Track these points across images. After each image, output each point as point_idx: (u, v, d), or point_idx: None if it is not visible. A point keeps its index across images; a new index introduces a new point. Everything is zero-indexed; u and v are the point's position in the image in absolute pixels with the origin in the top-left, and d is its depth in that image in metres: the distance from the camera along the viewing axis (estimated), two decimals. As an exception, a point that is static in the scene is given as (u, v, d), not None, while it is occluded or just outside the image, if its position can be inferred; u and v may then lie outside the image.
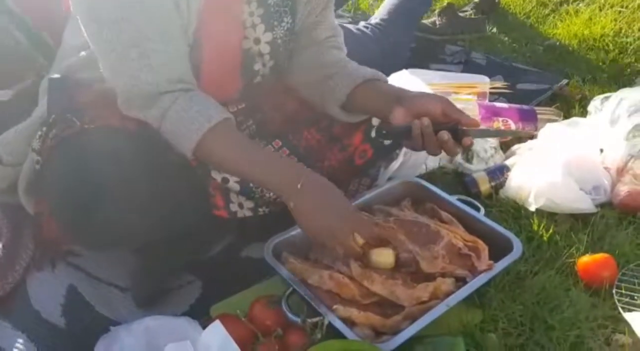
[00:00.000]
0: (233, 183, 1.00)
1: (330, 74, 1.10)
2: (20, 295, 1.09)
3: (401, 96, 1.01)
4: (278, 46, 1.10)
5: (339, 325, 0.92)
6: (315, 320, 0.93)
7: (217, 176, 0.98)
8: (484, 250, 1.06)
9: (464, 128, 0.96)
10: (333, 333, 0.93)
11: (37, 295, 1.09)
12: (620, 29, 2.21)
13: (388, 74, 1.25)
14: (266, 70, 1.11)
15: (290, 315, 0.96)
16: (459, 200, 1.19)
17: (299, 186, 0.92)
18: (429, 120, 0.95)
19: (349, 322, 0.94)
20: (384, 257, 1.02)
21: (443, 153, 1.38)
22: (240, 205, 1.02)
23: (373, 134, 1.16)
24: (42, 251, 1.15)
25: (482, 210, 1.18)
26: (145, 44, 0.90)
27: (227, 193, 1.01)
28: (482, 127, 0.96)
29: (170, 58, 0.93)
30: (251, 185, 1.02)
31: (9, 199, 1.15)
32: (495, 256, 1.04)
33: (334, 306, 0.95)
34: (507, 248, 1.06)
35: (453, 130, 0.95)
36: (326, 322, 0.92)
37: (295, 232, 1.10)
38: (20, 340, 1.02)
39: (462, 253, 1.05)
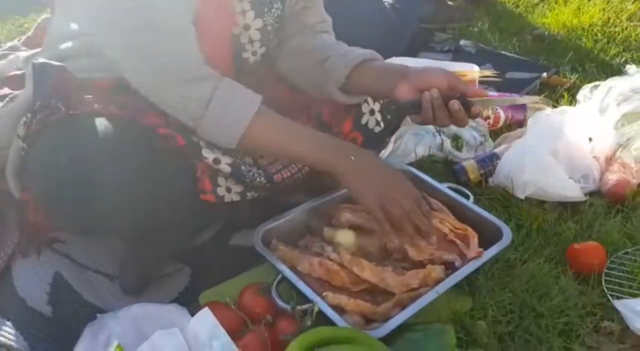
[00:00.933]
0: (224, 165, 0.99)
1: (324, 57, 1.09)
2: (5, 283, 1.07)
3: (405, 72, 1.02)
4: (268, 33, 1.08)
5: (329, 312, 0.92)
6: (304, 307, 0.93)
7: (209, 155, 0.97)
8: (474, 237, 1.06)
9: (471, 99, 0.97)
10: (323, 320, 0.92)
11: (23, 282, 1.08)
12: (609, 18, 2.22)
13: (387, 56, 1.25)
14: (257, 58, 1.09)
15: (279, 302, 0.95)
16: (448, 187, 1.19)
17: (352, 158, 0.97)
18: (438, 92, 0.96)
19: (339, 309, 0.94)
20: (345, 236, 1.05)
21: (431, 142, 1.41)
22: (228, 189, 1.01)
23: (377, 119, 1.18)
24: (28, 238, 1.13)
25: (472, 197, 1.18)
26: (161, 30, 0.90)
27: (215, 177, 1.00)
28: (487, 96, 1.00)
29: (188, 40, 0.93)
30: (242, 168, 1.01)
31: None
32: (485, 244, 1.05)
33: (324, 293, 0.95)
34: (496, 235, 1.06)
35: (461, 101, 0.96)
36: (316, 309, 0.92)
37: (284, 219, 1.10)
38: (5, 328, 1.00)
39: (449, 239, 1.06)
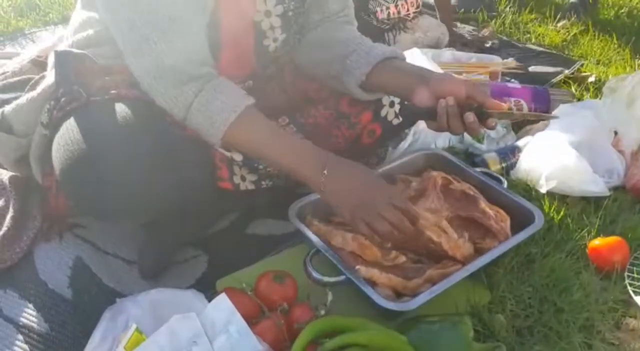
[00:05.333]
0: (236, 153, 0.99)
1: (347, 52, 1.07)
2: (27, 266, 1.09)
3: (424, 76, 0.99)
4: (289, 19, 1.08)
5: (361, 284, 0.93)
6: (337, 279, 0.94)
7: None
8: (506, 220, 1.06)
9: (489, 110, 0.95)
10: (336, 311, 0.93)
11: (44, 265, 1.09)
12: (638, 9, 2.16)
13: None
14: (278, 45, 1.09)
15: (314, 274, 0.96)
16: (481, 172, 1.19)
17: (325, 172, 0.92)
18: (454, 100, 0.94)
19: (371, 283, 0.95)
20: None
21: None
22: (243, 178, 1.02)
23: (397, 111, 1.16)
24: (50, 223, 1.14)
25: (505, 182, 1.16)
26: (165, 23, 0.89)
27: (231, 165, 1.00)
28: (506, 109, 0.97)
29: (192, 39, 0.93)
30: None
31: (21, 170, 1.15)
32: (517, 229, 1.05)
33: (357, 267, 0.96)
34: (528, 220, 1.06)
35: (477, 111, 0.95)
36: (330, 299, 0.93)
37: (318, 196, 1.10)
38: (27, 309, 1.02)
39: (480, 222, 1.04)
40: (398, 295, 0.96)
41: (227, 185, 0.99)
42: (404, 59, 1.09)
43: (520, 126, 1.50)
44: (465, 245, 1.02)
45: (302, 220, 1.06)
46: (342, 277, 0.95)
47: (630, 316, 1.00)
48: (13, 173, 1.19)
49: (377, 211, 0.91)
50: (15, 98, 1.08)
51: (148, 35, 0.90)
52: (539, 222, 1.04)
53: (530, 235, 1.04)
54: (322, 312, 0.93)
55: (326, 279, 0.95)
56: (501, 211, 1.07)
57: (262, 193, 1.06)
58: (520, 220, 1.06)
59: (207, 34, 0.97)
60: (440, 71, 1.53)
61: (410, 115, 1.12)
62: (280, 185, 1.07)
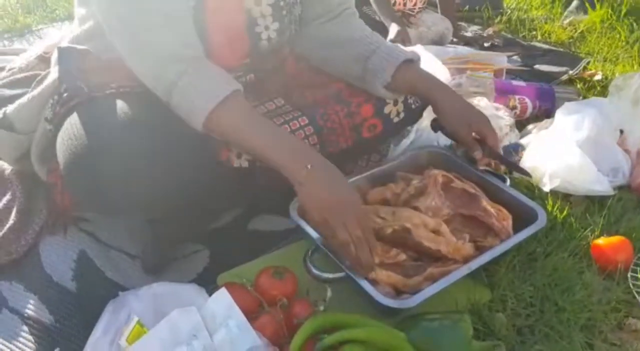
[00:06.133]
0: None
1: (367, 53, 1.10)
2: (32, 259, 1.11)
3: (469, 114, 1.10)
4: (281, 8, 1.07)
5: (361, 281, 0.92)
6: (337, 275, 0.94)
7: None
8: (508, 218, 1.05)
9: (488, 146, 1.08)
10: (336, 307, 0.93)
11: (49, 259, 1.10)
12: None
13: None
14: (272, 34, 1.08)
15: (314, 270, 0.96)
16: (484, 170, 1.17)
17: (309, 166, 0.90)
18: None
19: (371, 280, 0.94)
20: None
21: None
22: (239, 155, 1.03)
23: (399, 109, 1.18)
24: (55, 217, 1.15)
25: (508, 180, 1.14)
26: (145, 3, 0.89)
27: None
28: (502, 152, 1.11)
29: (173, 18, 0.91)
30: None
31: (22, 167, 1.17)
32: (519, 227, 1.04)
33: None
34: (530, 219, 1.04)
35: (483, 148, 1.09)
36: (329, 295, 0.93)
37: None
38: (32, 301, 1.04)
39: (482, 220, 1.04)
40: (398, 292, 0.96)
41: (223, 158, 1.01)
42: (419, 59, 1.12)
43: (524, 124, 1.49)
44: (465, 246, 1.01)
45: (303, 216, 1.05)
46: (342, 274, 0.94)
47: (633, 317, 0.99)
48: (17, 169, 1.20)
49: (343, 220, 0.89)
50: (23, 94, 1.09)
51: (127, 13, 0.89)
52: (541, 221, 1.03)
53: (532, 234, 1.03)
54: (321, 308, 0.93)
55: (325, 275, 0.95)
56: (503, 209, 1.06)
57: (258, 172, 1.06)
58: (522, 219, 1.05)
59: (193, 16, 0.95)
60: (445, 69, 1.54)
61: (442, 128, 1.16)
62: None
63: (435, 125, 1.16)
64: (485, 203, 1.06)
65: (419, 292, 0.91)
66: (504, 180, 1.14)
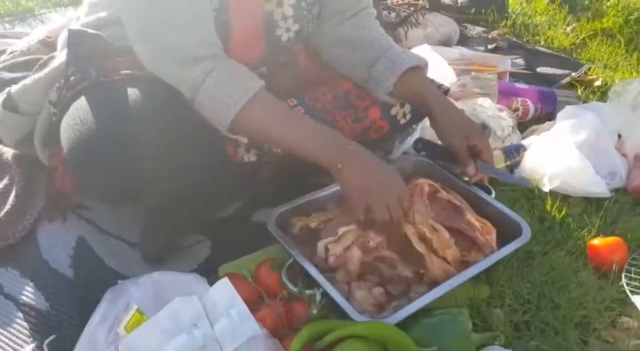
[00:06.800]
0: (242, 137, 0.99)
1: (372, 59, 1.10)
2: (30, 244, 1.10)
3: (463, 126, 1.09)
4: (302, 9, 1.08)
5: (337, 298, 0.90)
6: (309, 292, 0.93)
7: None
8: (492, 232, 1.04)
9: (480, 161, 1.08)
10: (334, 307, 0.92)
11: (47, 245, 1.09)
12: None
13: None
14: (291, 35, 1.09)
15: (289, 285, 0.95)
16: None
17: (350, 147, 0.93)
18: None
19: (352, 290, 0.94)
20: None
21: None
22: (247, 150, 1.03)
23: (406, 111, 1.18)
24: (54, 203, 1.14)
25: (494, 193, 1.14)
26: (169, 3, 0.89)
27: (237, 141, 1.01)
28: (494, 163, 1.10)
29: (196, 18, 0.92)
30: None
31: (24, 150, 1.16)
32: (506, 239, 1.03)
33: (340, 229, 0.97)
34: (517, 231, 1.03)
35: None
36: (319, 298, 0.92)
37: (299, 203, 1.09)
38: (28, 288, 1.03)
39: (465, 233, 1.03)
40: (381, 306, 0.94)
41: (237, 158, 1.01)
42: (426, 64, 1.12)
43: (525, 126, 1.50)
44: (454, 246, 1.01)
45: (282, 226, 1.04)
46: (314, 290, 0.92)
47: (626, 316, 1.01)
48: (19, 152, 1.19)
49: (385, 201, 0.92)
50: (23, 77, 1.08)
51: (151, 15, 0.89)
52: (525, 236, 1.02)
53: (516, 249, 1.02)
54: (314, 311, 0.92)
55: (301, 291, 0.93)
56: (487, 223, 1.05)
57: (264, 167, 1.06)
58: (507, 232, 1.04)
59: (215, 18, 0.96)
60: (451, 70, 1.55)
61: (426, 148, 1.17)
62: (284, 166, 1.07)
63: (419, 147, 1.17)
64: (470, 216, 1.05)
65: (400, 309, 0.90)
66: (490, 192, 1.12)
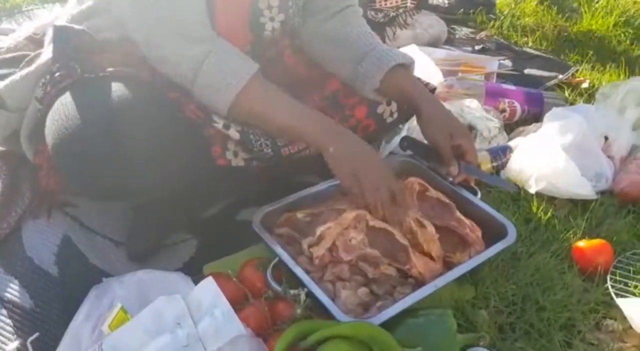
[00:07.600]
0: (233, 131, 0.99)
1: (359, 57, 1.10)
2: (14, 241, 1.09)
3: (448, 126, 1.08)
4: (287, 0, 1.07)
5: (322, 298, 0.90)
6: (294, 292, 0.92)
7: (220, 120, 0.98)
8: (477, 232, 1.04)
9: (464, 161, 1.08)
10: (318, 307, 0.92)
11: (32, 242, 1.09)
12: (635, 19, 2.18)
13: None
14: (275, 24, 1.08)
15: (273, 284, 0.95)
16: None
17: (342, 132, 0.98)
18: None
19: (338, 288, 0.94)
20: None
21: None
22: (235, 154, 1.02)
23: (393, 109, 1.19)
24: (39, 200, 1.14)
25: (479, 194, 1.13)
26: None
27: (225, 142, 1.00)
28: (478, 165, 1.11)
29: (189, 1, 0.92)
30: (251, 136, 1.01)
31: (11, 147, 1.14)
32: (491, 240, 1.02)
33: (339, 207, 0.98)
34: (502, 233, 1.03)
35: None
36: (303, 298, 0.91)
37: (285, 203, 1.08)
38: (12, 285, 1.02)
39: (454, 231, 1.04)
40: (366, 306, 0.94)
41: (222, 162, 1.00)
42: (412, 62, 1.12)
43: (512, 127, 1.51)
44: (438, 242, 1.01)
45: (268, 226, 1.03)
46: (298, 290, 0.92)
47: (611, 318, 1.02)
48: (3, 148, 1.18)
49: (375, 185, 0.96)
50: (9, 74, 1.07)
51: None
52: (511, 237, 1.02)
53: (501, 251, 1.02)
54: (298, 311, 0.91)
55: (285, 290, 0.93)
56: (472, 223, 1.05)
57: (252, 171, 1.06)
58: (493, 233, 1.03)
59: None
60: (438, 70, 1.55)
61: (412, 146, 1.18)
62: (271, 168, 1.07)
63: (405, 146, 1.17)
64: (459, 213, 1.06)
65: (385, 309, 0.90)
66: (475, 193, 1.12)
